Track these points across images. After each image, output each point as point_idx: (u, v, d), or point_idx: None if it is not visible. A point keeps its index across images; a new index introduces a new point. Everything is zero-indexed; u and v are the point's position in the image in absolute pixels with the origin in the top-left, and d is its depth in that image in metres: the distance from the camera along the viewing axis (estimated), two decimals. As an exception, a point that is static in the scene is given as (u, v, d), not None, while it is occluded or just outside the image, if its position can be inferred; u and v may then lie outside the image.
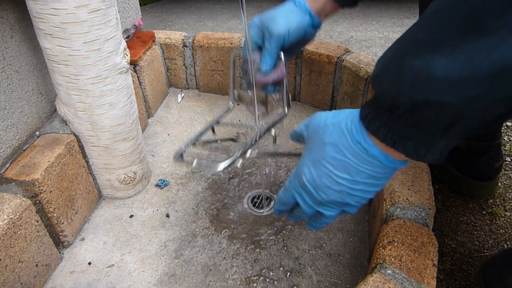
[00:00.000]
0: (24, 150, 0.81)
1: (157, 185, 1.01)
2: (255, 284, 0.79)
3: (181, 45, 1.27)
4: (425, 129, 0.40)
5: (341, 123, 0.48)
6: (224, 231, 0.90)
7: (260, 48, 0.69)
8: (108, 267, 0.82)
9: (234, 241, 0.87)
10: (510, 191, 1.02)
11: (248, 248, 0.86)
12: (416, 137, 0.42)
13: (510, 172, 1.08)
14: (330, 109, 1.26)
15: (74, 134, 0.86)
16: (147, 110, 1.22)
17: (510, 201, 1.00)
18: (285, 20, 0.65)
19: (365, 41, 1.61)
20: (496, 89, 0.34)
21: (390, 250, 0.62)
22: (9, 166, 0.77)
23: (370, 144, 0.45)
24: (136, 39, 1.19)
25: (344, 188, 0.48)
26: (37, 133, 0.86)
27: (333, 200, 0.50)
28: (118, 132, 0.86)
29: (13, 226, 0.68)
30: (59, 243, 0.84)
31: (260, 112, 0.71)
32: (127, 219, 0.93)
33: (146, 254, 0.85)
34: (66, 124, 0.86)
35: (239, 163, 0.65)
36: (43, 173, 0.76)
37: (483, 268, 0.81)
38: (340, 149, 0.47)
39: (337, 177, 0.48)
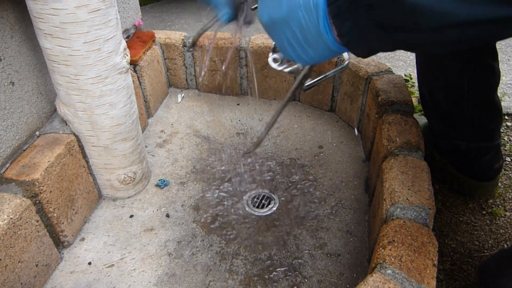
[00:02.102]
0: (24, 150, 0.81)
1: (157, 185, 1.01)
2: (255, 284, 0.79)
3: (181, 45, 1.27)
4: (372, 17, 0.39)
5: None
6: (224, 231, 0.90)
7: None
8: (108, 267, 0.82)
9: (234, 241, 0.87)
10: (510, 191, 1.02)
11: (248, 248, 0.86)
12: (359, 22, 0.40)
13: (510, 172, 1.08)
14: (330, 109, 1.26)
15: (74, 134, 0.86)
16: (147, 110, 1.22)
17: (510, 201, 1.00)
18: None
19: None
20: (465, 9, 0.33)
21: (390, 250, 0.62)
22: (9, 166, 0.77)
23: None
24: (136, 39, 1.19)
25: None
26: (37, 133, 0.86)
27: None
28: (118, 132, 0.86)
29: (13, 226, 0.68)
30: (59, 243, 0.84)
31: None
32: (127, 219, 0.93)
33: (146, 254, 0.85)
34: (66, 124, 0.86)
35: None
36: (43, 173, 0.76)
37: (480, 269, 0.81)
38: None
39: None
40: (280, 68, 0.62)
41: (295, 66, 0.60)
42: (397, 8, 0.37)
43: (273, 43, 0.62)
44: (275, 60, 0.62)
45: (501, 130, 1.20)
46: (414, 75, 1.48)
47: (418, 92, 1.37)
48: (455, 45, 0.40)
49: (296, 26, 0.44)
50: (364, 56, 0.45)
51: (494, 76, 0.90)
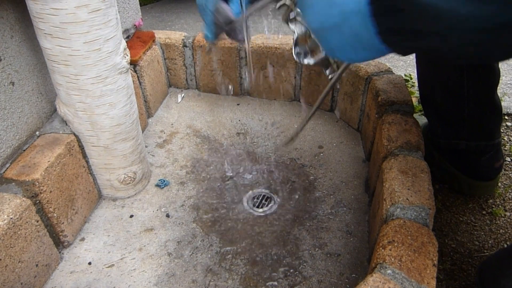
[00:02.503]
0: (24, 150, 0.81)
1: (157, 185, 1.01)
2: (255, 284, 0.79)
3: (181, 45, 1.27)
4: (395, 23, 0.40)
5: None
6: (224, 231, 0.90)
7: None
8: (108, 267, 0.82)
9: (234, 241, 0.87)
10: (510, 191, 1.02)
11: (248, 248, 0.86)
12: (385, 25, 0.41)
13: (510, 172, 1.08)
14: (330, 109, 1.26)
15: (74, 134, 0.86)
16: (147, 110, 1.22)
17: (510, 201, 1.00)
18: None
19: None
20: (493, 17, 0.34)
21: (390, 250, 0.62)
22: (9, 166, 0.77)
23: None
24: (136, 39, 1.19)
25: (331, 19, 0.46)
26: (37, 133, 0.86)
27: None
28: (118, 132, 0.86)
29: (13, 226, 0.68)
30: (59, 243, 0.84)
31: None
32: (127, 219, 0.93)
33: (146, 254, 0.85)
34: (66, 124, 0.86)
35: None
36: (43, 173, 0.76)
37: (480, 269, 0.81)
38: None
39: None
40: (306, 61, 0.62)
41: (320, 57, 0.60)
42: (414, 12, 0.38)
43: (294, 36, 0.62)
44: (299, 54, 0.62)
45: (501, 130, 1.21)
46: (414, 75, 1.48)
47: (418, 92, 1.37)
48: (474, 54, 0.40)
49: (349, 32, 0.45)
50: (403, 55, 0.46)
51: (494, 75, 0.90)
